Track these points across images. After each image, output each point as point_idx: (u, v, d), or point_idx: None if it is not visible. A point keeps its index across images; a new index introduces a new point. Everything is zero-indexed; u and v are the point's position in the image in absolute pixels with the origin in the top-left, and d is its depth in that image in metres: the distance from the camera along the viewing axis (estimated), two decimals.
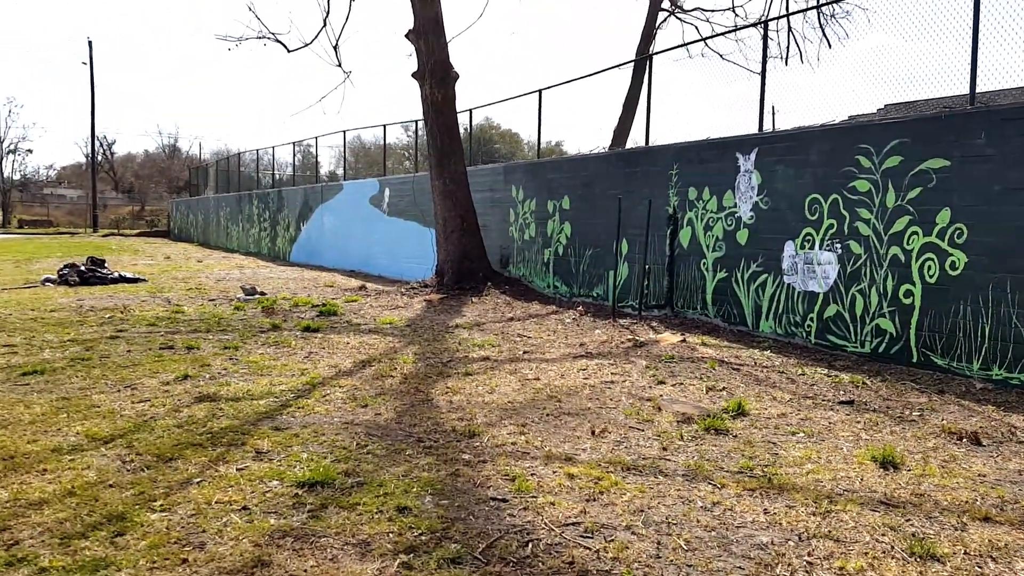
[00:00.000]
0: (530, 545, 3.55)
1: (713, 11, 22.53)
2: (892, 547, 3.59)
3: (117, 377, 6.79)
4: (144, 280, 16.05)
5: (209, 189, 38.44)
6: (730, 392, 6.62)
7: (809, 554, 3.51)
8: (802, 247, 8.98)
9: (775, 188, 9.36)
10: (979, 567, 3.42)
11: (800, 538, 3.68)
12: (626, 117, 21.54)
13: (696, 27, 24.27)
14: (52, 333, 9.02)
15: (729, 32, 20.62)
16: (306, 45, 15.34)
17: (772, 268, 9.38)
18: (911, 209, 7.75)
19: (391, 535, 3.61)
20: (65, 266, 15.79)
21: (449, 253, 13.94)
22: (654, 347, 8.68)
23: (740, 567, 3.38)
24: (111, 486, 4.15)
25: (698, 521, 3.86)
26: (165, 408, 5.79)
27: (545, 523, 3.79)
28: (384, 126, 21.21)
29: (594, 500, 4.10)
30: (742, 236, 9.80)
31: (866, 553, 3.53)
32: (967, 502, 4.18)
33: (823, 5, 17.83)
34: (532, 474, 4.47)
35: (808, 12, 18.57)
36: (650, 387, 6.79)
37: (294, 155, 28.35)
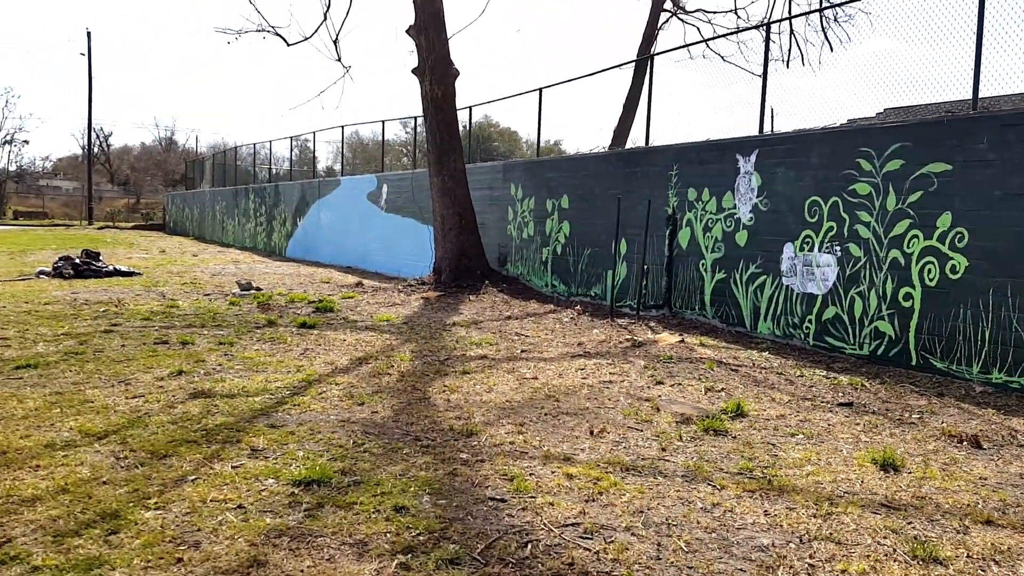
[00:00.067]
0: (529, 546, 3.51)
1: (715, 13, 22.55)
2: (894, 550, 3.57)
3: (111, 372, 6.73)
4: (139, 274, 15.97)
5: (205, 183, 38.25)
6: (729, 393, 6.60)
7: (811, 556, 3.48)
8: (801, 249, 8.96)
9: (775, 190, 9.33)
10: (982, 570, 3.40)
11: (801, 540, 3.65)
12: (626, 117, 21.54)
13: (698, 28, 24.21)
14: (46, 326, 8.95)
15: (731, 34, 20.63)
16: (306, 39, 15.30)
17: (771, 270, 9.36)
18: (912, 213, 7.73)
19: (389, 535, 3.57)
20: (60, 259, 15.72)
21: (447, 251, 13.88)
22: (652, 347, 8.65)
23: (742, 569, 3.35)
24: (105, 483, 4.10)
25: (698, 522, 3.83)
26: (159, 404, 5.74)
27: (544, 523, 3.75)
28: (383, 122, 21.07)
29: (593, 500, 4.07)
30: (741, 237, 9.77)
31: (868, 556, 3.50)
32: (969, 505, 4.16)
33: (826, 8, 17.83)
34: (531, 474, 4.43)
35: (810, 15, 18.59)
36: (648, 387, 6.76)
37: (291, 150, 28.19)
